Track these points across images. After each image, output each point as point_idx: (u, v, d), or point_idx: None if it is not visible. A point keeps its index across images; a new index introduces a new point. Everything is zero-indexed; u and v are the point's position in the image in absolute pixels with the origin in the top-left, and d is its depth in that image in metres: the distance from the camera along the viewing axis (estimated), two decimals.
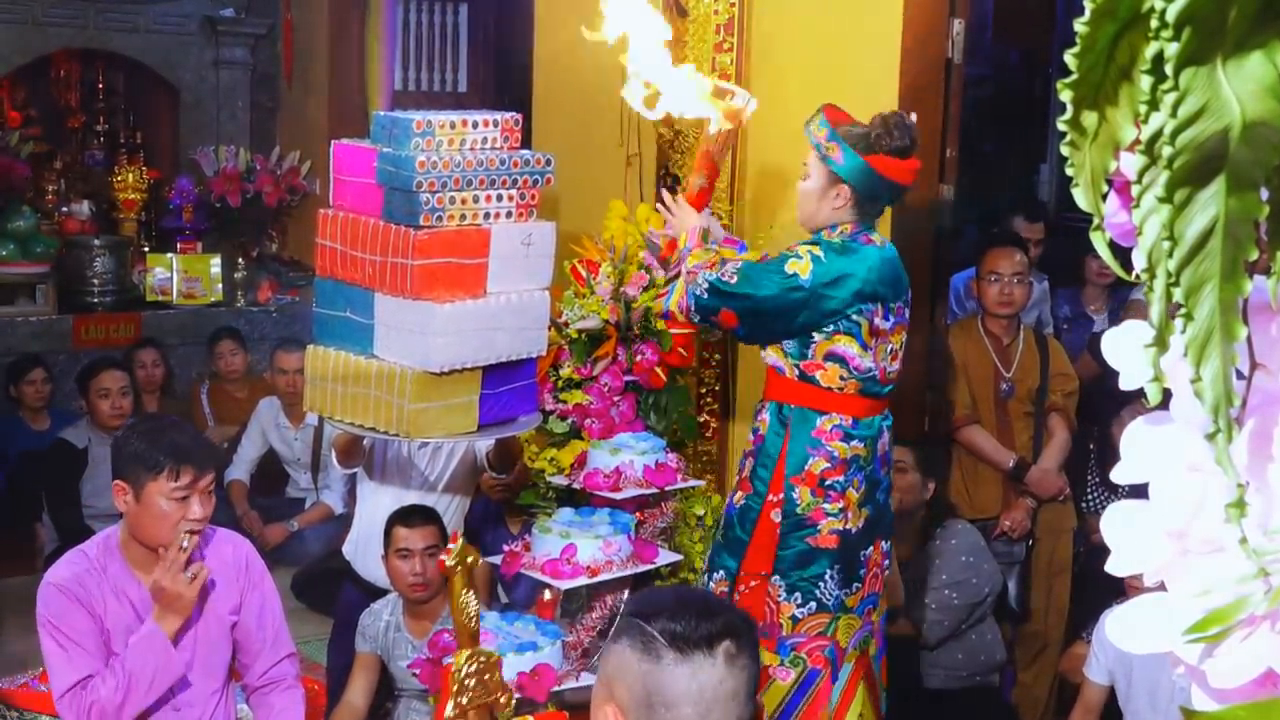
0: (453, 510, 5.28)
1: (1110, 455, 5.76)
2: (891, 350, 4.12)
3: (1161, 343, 0.99)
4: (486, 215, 4.04)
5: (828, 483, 4.07)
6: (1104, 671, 4.59)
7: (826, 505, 4.07)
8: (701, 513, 4.92)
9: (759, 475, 4.14)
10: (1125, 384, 1.16)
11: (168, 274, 8.48)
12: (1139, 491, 1.18)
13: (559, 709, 3.85)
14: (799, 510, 4.08)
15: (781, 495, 4.09)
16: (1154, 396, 1.03)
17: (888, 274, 4.08)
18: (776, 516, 4.10)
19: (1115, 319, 6.69)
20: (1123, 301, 6.79)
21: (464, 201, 3.98)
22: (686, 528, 4.84)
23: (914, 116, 4.20)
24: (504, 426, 4.24)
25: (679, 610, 2.22)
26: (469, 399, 4.06)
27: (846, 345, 4.04)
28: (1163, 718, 4.28)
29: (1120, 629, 1.15)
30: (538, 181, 4.11)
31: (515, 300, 4.09)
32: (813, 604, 4.11)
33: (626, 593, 4.22)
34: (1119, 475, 1.18)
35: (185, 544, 3.56)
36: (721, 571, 4.19)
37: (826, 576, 4.11)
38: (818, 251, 4.03)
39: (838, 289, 4.01)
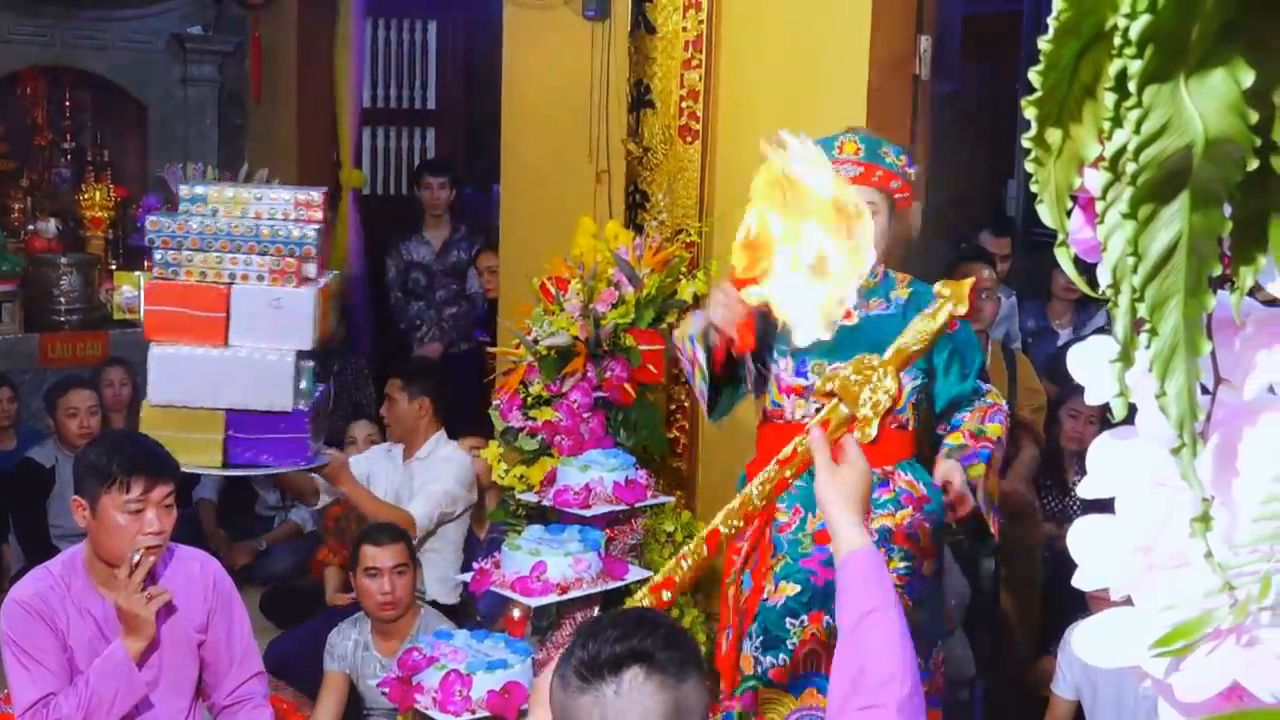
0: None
1: (1056, 458, 5.79)
2: None
3: (1126, 358, 0.99)
4: (233, 276, 4.62)
5: None
6: (1070, 686, 4.60)
7: None
8: (671, 529, 4.91)
9: (938, 536, 3.83)
10: (1091, 399, 1.17)
11: (135, 292, 8.38)
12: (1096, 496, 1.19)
13: None
14: None
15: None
16: (1119, 411, 1.03)
17: None
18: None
19: (1080, 334, 6.72)
20: (1089, 317, 6.83)
21: (204, 261, 4.59)
22: (656, 544, 4.83)
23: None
24: (260, 470, 4.85)
25: (598, 633, 2.15)
26: (210, 437, 4.62)
27: None
28: None
29: (1087, 643, 1.15)
30: (294, 252, 4.59)
31: (256, 356, 4.61)
32: None
33: (597, 610, 4.21)
34: (1085, 490, 1.18)
35: (136, 557, 3.54)
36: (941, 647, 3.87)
37: None
38: None
39: None
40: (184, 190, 4.74)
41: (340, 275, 5.60)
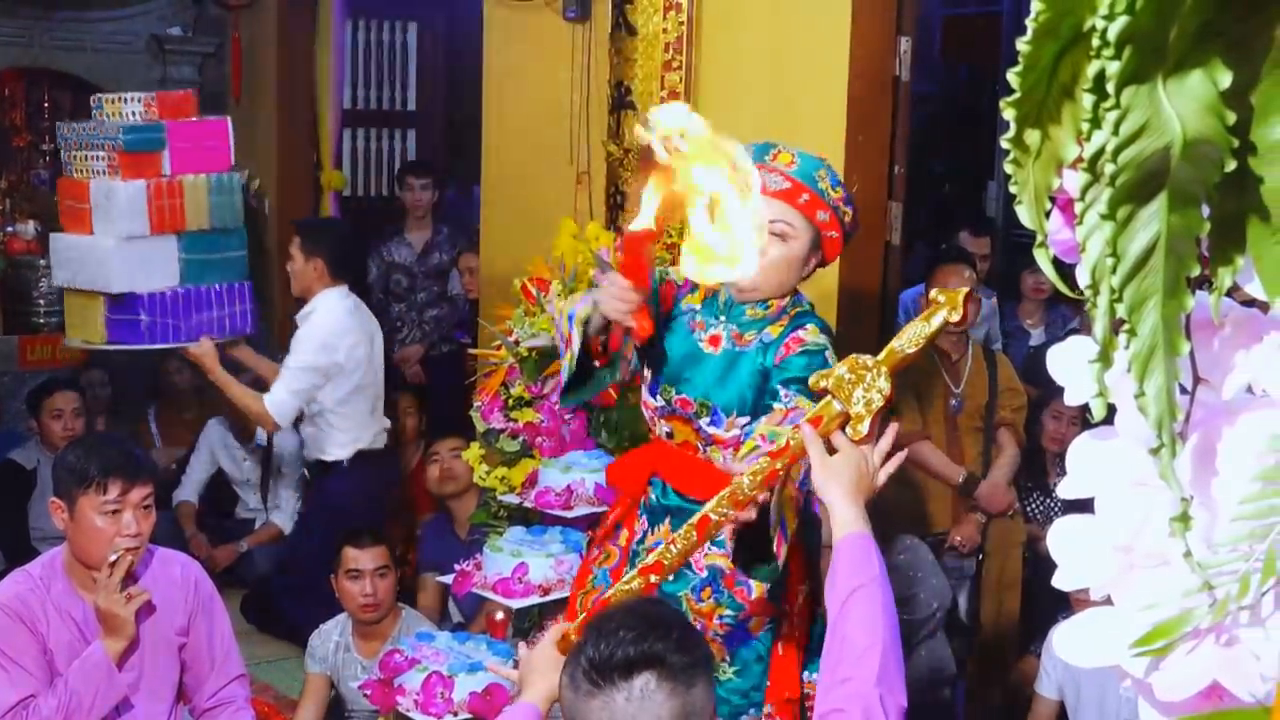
0: None
1: (1037, 459, 5.81)
2: None
3: (1105, 358, 0.99)
4: (91, 171, 5.38)
5: None
6: (1053, 686, 4.61)
7: None
8: None
9: (777, 597, 3.43)
10: (1070, 399, 1.17)
11: None
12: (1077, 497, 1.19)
13: None
14: None
15: None
16: (1098, 412, 1.03)
17: None
18: None
19: (1052, 333, 6.74)
20: (1060, 317, 6.85)
21: (81, 159, 5.41)
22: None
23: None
24: (124, 345, 5.56)
25: (610, 633, 2.11)
26: (95, 315, 5.43)
27: None
28: None
29: (1068, 643, 1.15)
30: (115, 147, 5.28)
31: (91, 243, 5.37)
32: None
33: None
34: (1065, 490, 1.18)
35: (114, 557, 3.53)
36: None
37: None
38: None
39: None
40: (93, 98, 5.69)
41: (237, 175, 5.96)
